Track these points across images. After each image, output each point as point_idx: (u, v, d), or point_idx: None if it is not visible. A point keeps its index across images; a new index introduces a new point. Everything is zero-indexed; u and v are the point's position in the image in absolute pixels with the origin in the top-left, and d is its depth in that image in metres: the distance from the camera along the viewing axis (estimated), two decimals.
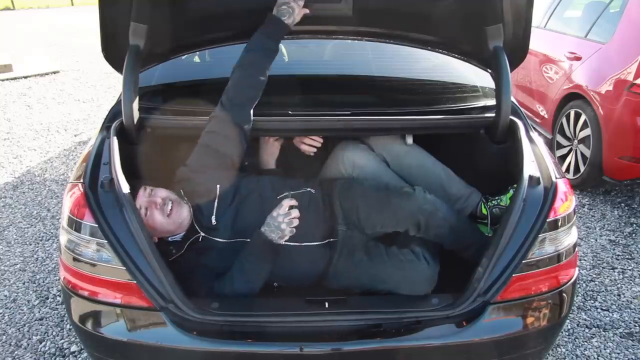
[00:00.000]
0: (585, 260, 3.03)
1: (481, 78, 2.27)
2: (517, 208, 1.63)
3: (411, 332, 1.59)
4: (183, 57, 2.33)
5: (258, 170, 2.24)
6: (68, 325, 2.47)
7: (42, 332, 2.46)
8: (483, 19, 1.92)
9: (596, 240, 3.25)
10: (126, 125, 1.89)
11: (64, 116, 5.86)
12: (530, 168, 1.74)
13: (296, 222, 1.75)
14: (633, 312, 2.58)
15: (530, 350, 1.70)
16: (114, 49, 1.90)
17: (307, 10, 1.94)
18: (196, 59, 2.71)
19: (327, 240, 1.88)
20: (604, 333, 2.44)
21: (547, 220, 1.63)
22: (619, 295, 2.72)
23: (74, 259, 1.62)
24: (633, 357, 2.30)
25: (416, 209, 1.89)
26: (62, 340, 2.40)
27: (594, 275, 2.88)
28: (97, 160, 1.76)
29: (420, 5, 2.02)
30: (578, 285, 2.72)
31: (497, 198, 2.06)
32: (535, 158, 1.82)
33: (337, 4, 1.97)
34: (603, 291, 2.75)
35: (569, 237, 1.70)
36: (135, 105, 1.91)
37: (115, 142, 1.79)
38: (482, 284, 1.60)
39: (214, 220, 1.83)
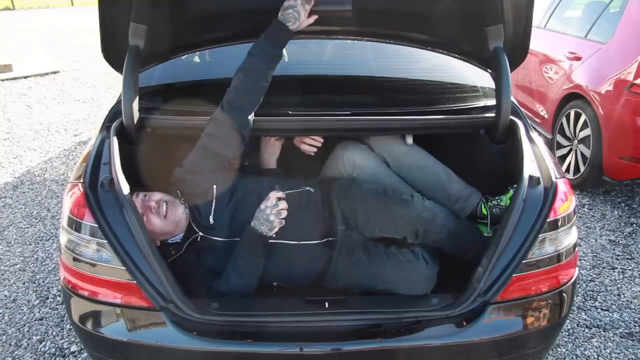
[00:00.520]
0: (585, 260, 3.03)
1: (481, 78, 2.27)
2: (517, 208, 1.63)
3: (411, 332, 1.59)
4: (183, 57, 2.33)
5: (258, 170, 2.25)
6: (68, 325, 2.47)
7: (42, 332, 2.46)
8: (483, 20, 1.92)
9: (596, 240, 3.25)
10: (126, 125, 1.89)
11: (64, 116, 5.86)
12: (530, 168, 1.74)
13: (284, 214, 1.76)
14: (633, 312, 2.58)
15: (530, 350, 1.70)
16: (113, 49, 1.90)
17: (312, 20, 1.88)
18: (196, 59, 2.71)
19: (325, 239, 1.88)
20: (604, 333, 2.44)
21: (547, 220, 1.63)
22: (619, 295, 2.72)
23: (74, 259, 1.63)
24: (633, 357, 2.30)
25: (415, 217, 1.89)
26: (62, 340, 2.40)
27: (594, 275, 2.88)
28: (97, 160, 1.76)
29: (420, 6, 2.01)
30: (578, 285, 2.72)
31: (497, 198, 2.06)
32: (535, 158, 1.82)
33: (337, 4, 1.96)
34: (603, 291, 2.75)
35: (569, 237, 1.70)
36: (135, 105, 1.91)
37: (115, 142, 1.79)
38: (482, 284, 1.60)
39: (211, 220, 1.84)
